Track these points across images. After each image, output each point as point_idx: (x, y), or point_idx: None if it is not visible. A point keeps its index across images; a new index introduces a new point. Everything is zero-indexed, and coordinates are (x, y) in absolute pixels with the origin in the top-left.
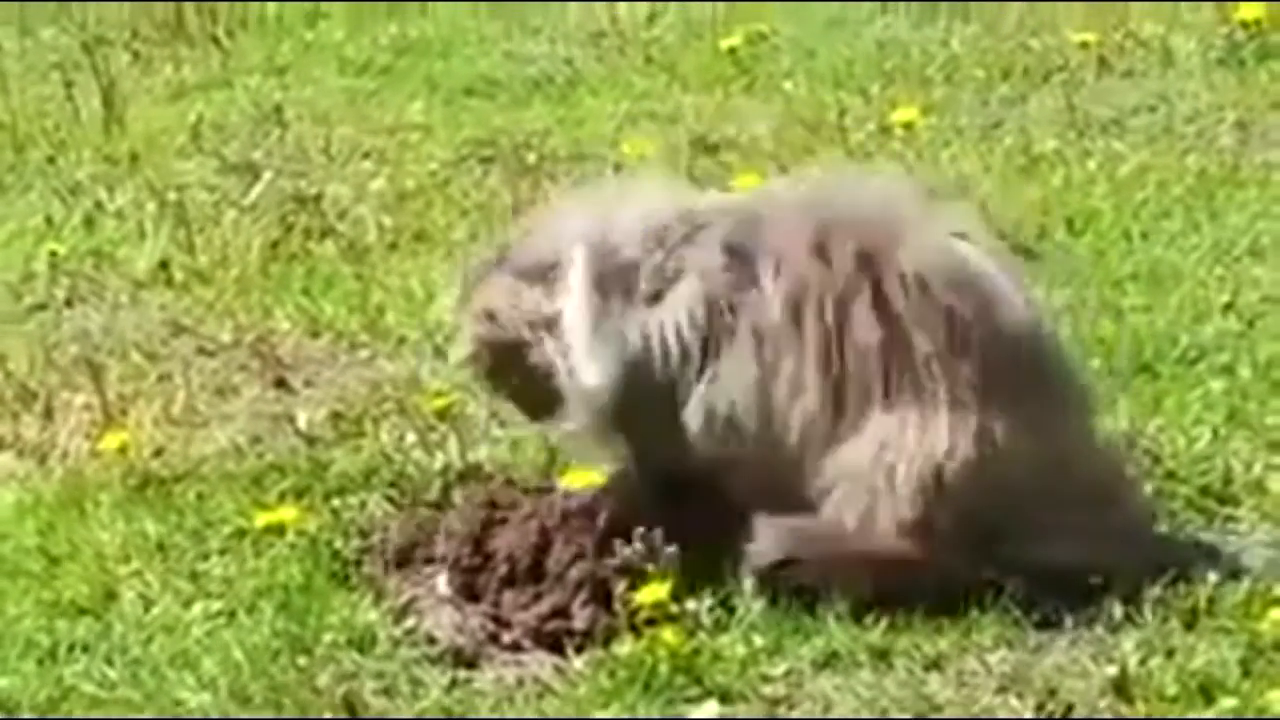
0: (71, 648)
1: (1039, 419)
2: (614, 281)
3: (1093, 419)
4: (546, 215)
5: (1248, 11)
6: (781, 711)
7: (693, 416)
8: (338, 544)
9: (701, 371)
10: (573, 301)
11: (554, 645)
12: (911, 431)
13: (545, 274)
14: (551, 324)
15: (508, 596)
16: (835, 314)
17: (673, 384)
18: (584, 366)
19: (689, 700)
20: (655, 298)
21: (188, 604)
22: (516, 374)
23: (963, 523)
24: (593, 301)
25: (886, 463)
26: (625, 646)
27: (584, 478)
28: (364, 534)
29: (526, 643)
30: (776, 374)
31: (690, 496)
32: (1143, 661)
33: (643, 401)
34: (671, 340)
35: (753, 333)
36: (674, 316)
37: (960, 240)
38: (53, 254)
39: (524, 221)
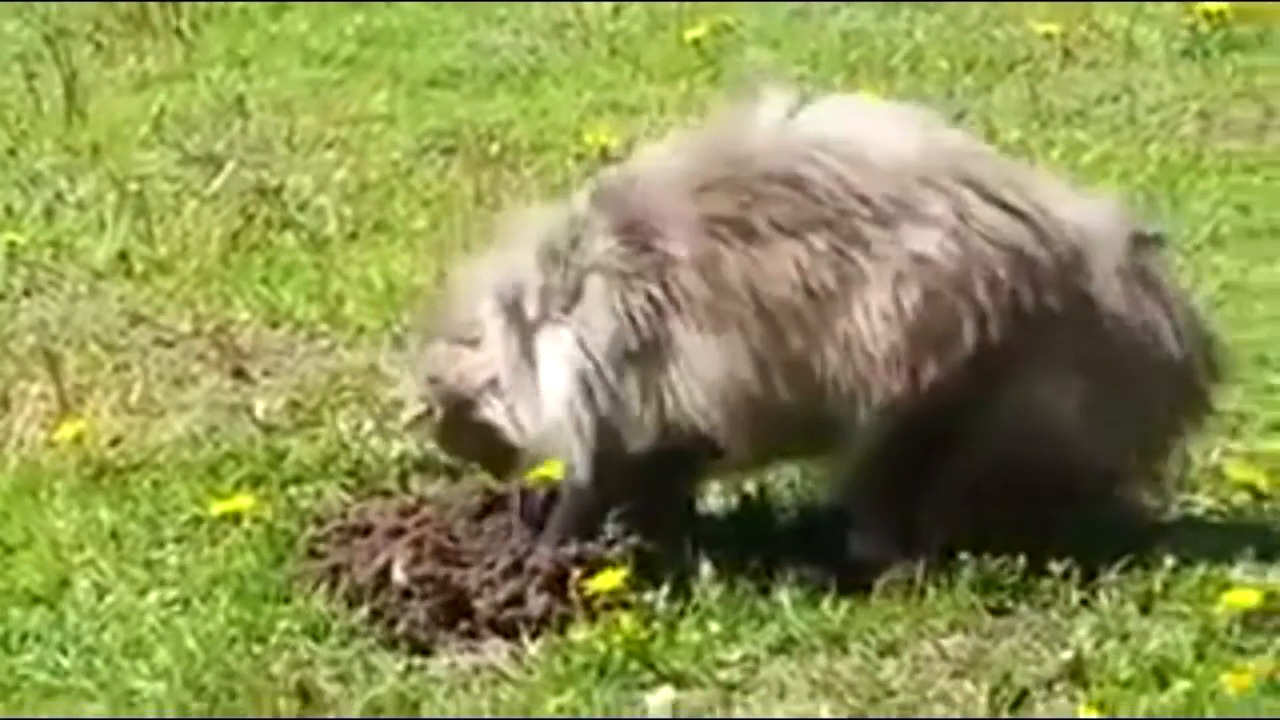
0: (24, 637)
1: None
2: (528, 320)
3: None
4: (461, 274)
5: (1211, 4)
6: (736, 696)
7: (665, 401)
8: (294, 532)
9: (651, 357)
10: (500, 359)
11: (509, 632)
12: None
13: (472, 334)
14: (493, 384)
15: (463, 584)
16: (748, 247)
17: (627, 381)
18: (530, 418)
19: (644, 686)
20: (567, 311)
21: (142, 592)
22: (468, 435)
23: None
24: (512, 354)
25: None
26: (581, 633)
27: (542, 472)
28: (320, 522)
29: (482, 629)
30: (728, 329)
31: (647, 486)
32: (1097, 645)
33: (602, 412)
34: (601, 347)
35: (684, 299)
36: (593, 323)
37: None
38: (11, 244)
39: (445, 285)
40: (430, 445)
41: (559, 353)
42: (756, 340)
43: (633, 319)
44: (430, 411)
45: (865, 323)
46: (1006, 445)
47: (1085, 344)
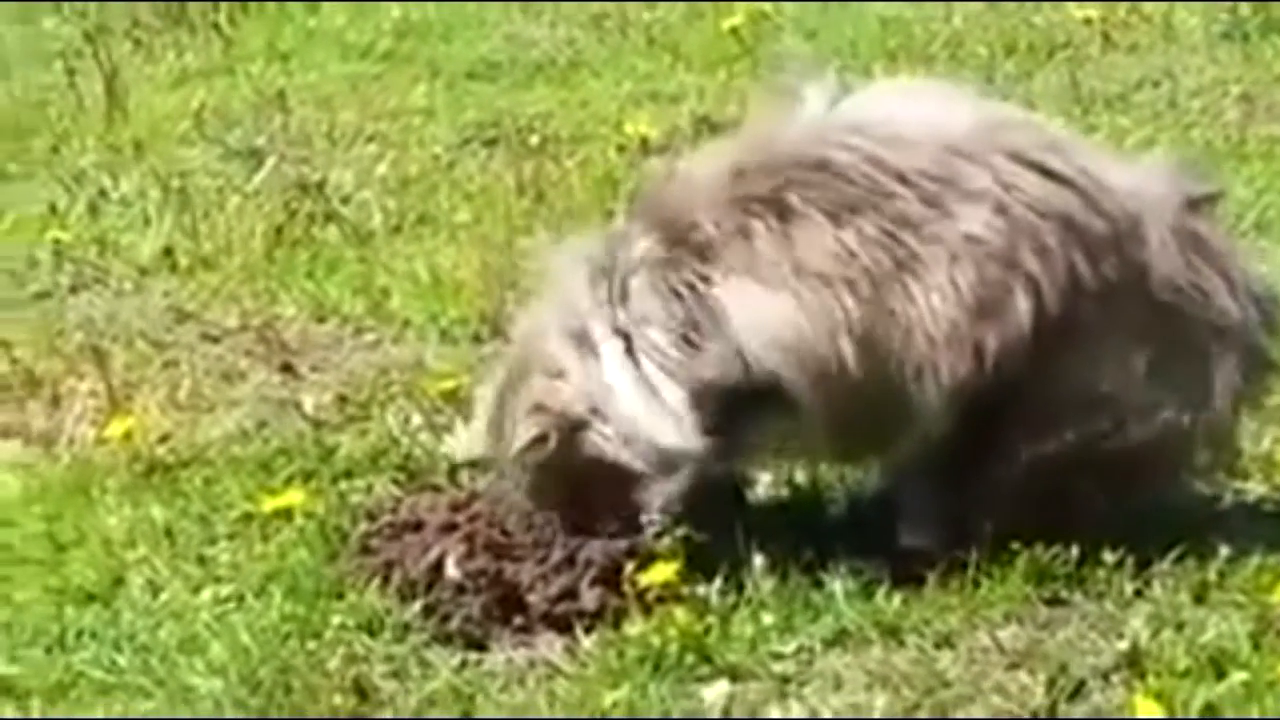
0: (79, 634)
1: None
2: (595, 342)
3: None
4: (525, 315)
5: None
6: (792, 689)
7: (735, 362)
8: (345, 527)
9: (709, 326)
10: (589, 387)
11: (563, 626)
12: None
13: (557, 367)
14: (594, 411)
15: (516, 578)
16: (782, 224)
17: (696, 355)
18: (660, 428)
19: (699, 679)
20: (620, 318)
21: (196, 589)
22: (573, 463)
23: None
24: (595, 379)
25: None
26: (635, 627)
27: None
28: (371, 517)
29: (536, 624)
30: (778, 291)
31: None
32: (1153, 636)
33: (686, 389)
34: (659, 336)
35: (726, 271)
36: (646, 314)
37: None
38: (57, 241)
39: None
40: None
41: (626, 357)
42: (808, 298)
43: (680, 295)
44: (544, 437)
45: (925, 303)
46: (1070, 420)
47: (1144, 311)
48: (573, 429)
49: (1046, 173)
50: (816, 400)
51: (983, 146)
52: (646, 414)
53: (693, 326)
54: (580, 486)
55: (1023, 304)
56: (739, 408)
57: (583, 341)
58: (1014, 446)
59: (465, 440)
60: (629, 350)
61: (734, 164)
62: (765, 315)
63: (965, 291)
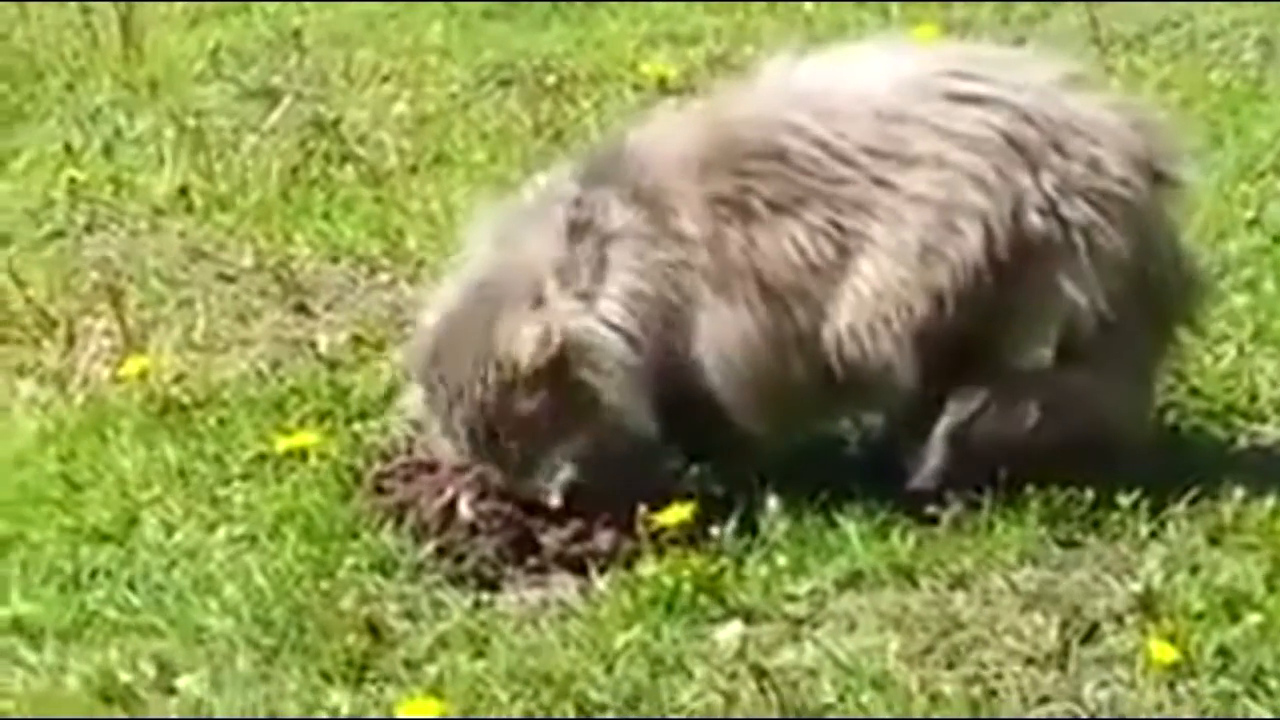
0: (94, 574)
1: None
2: (579, 289)
3: None
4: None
5: None
6: (805, 630)
7: (685, 365)
8: (359, 467)
9: (675, 317)
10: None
11: (577, 567)
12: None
13: (533, 296)
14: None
15: (530, 519)
16: (747, 228)
17: (661, 337)
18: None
19: (712, 620)
20: (598, 279)
21: (210, 529)
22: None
23: None
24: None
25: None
26: (648, 568)
27: None
28: (385, 458)
29: (549, 565)
30: (737, 306)
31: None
32: (1167, 578)
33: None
34: (634, 306)
35: (699, 272)
36: (626, 284)
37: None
38: (72, 181)
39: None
40: None
41: (605, 318)
42: (763, 317)
43: (658, 276)
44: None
45: (875, 273)
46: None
47: (1101, 237)
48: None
49: (977, 100)
50: (754, 417)
51: (911, 101)
52: (615, 373)
53: (660, 320)
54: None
55: (972, 239)
56: (675, 411)
57: (539, 294)
58: (977, 385)
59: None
60: (602, 310)
61: (701, 157)
62: (721, 337)
63: (912, 244)
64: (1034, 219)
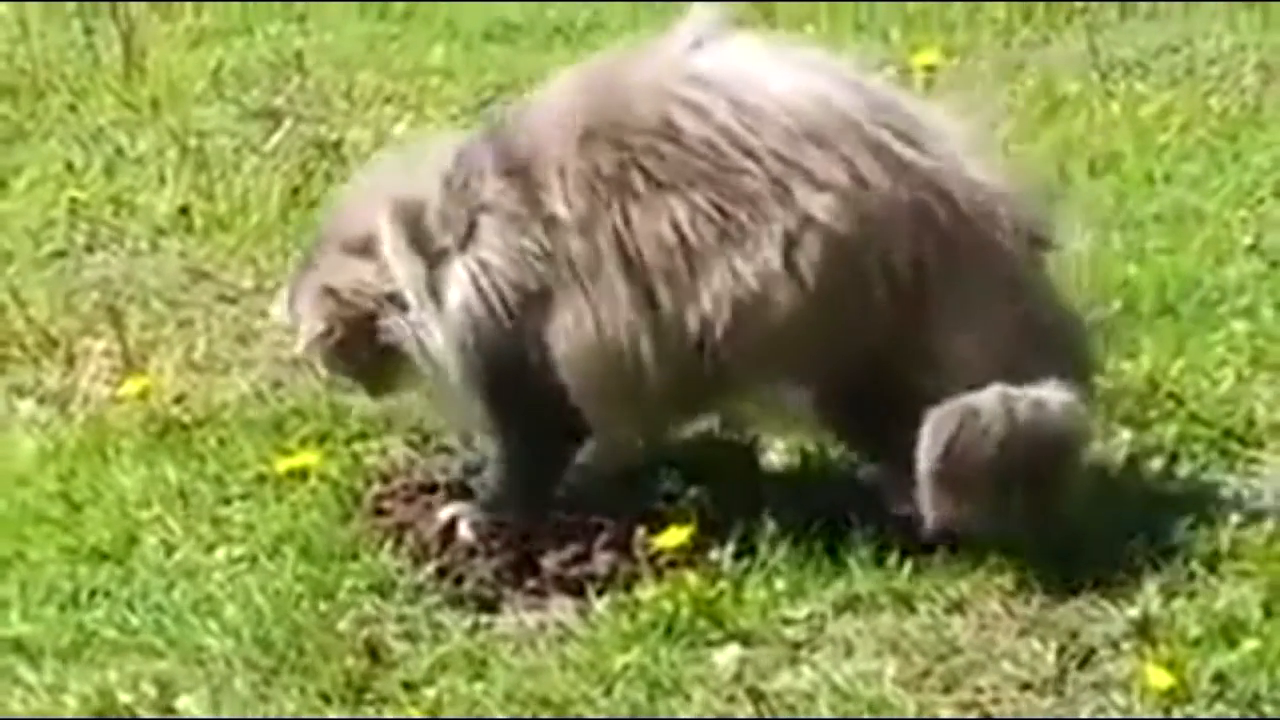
0: (93, 593)
1: None
2: (426, 239)
3: None
4: (355, 185)
5: None
6: (803, 654)
7: (545, 358)
8: (359, 488)
9: (537, 305)
10: (400, 274)
11: (576, 590)
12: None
13: (368, 247)
14: (393, 298)
15: (530, 542)
16: (625, 207)
17: (515, 331)
18: (432, 337)
19: (710, 643)
20: (463, 246)
21: (209, 549)
22: (365, 349)
23: None
24: (413, 269)
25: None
26: (647, 590)
27: None
28: (385, 478)
29: (548, 587)
30: (603, 295)
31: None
32: (1165, 604)
33: (496, 358)
34: (491, 286)
35: (566, 257)
36: (487, 261)
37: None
38: (73, 200)
39: (336, 195)
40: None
41: (456, 285)
42: (625, 304)
43: (523, 263)
44: (330, 331)
45: (756, 284)
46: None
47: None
48: (360, 318)
49: (901, 165)
50: (607, 421)
51: (838, 133)
52: (450, 349)
53: (524, 305)
54: (368, 363)
55: (869, 293)
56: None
57: (415, 233)
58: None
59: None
60: (458, 276)
61: (584, 126)
62: (580, 330)
63: (802, 274)
64: (924, 274)
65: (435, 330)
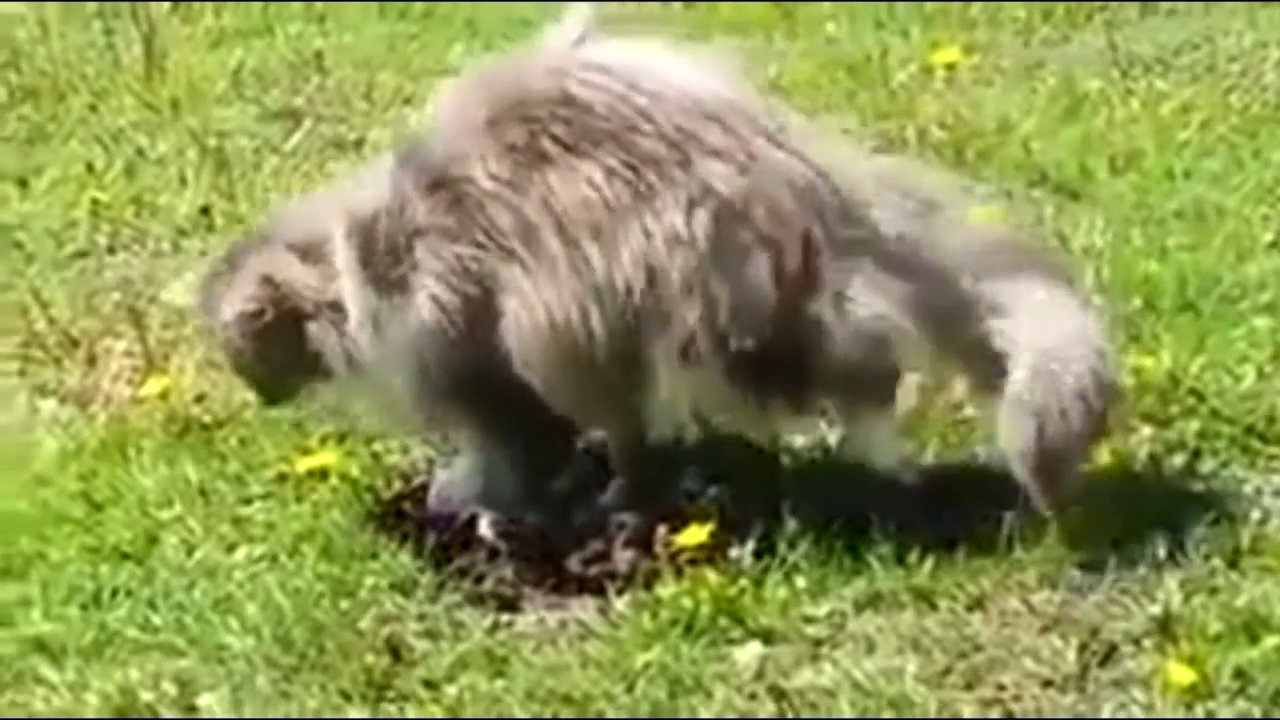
0: (114, 593)
1: None
2: (377, 260)
3: None
4: (312, 194)
5: None
6: (824, 652)
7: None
8: (379, 488)
9: (489, 305)
10: (349, 288)
11: (597, 588)
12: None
13: (315, 251)
14: (334, 306)
15: (551, 541)
16: (544, 174)
17: (472, 345)
18: (360, 353)
19: (731, 641)
20: (408, 276)
21: (230, 549)
22: (286, 346)
23: None
24: (363, 288)
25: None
26: (668, 589)
27: None
28: (406, 478)
29: (569, 586)
30: (541, 263)
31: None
32: (1186, 600)
33: (459, 377)
34: (442, 312)
35: (500, 239)
36: (430, 285)
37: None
38: (94, 201)
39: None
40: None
41: (410, 314)
42: (565, 274)
43: (465, 274)
44: (261, 313)
45: (664, 247)
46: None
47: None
48: (292, 315)
49: (790, 151)
50: (563, 396)
51: (728, 114)
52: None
53: (471, 319)
54: (282, 361)
55: (762, 264)
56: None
57: (367, 248)
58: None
59: (180, 287)
60: (408, 298)
61: (488, 115)
62: (531, 306)
63: (701, 242)
64: (814, 259)
65: (368, 351)
